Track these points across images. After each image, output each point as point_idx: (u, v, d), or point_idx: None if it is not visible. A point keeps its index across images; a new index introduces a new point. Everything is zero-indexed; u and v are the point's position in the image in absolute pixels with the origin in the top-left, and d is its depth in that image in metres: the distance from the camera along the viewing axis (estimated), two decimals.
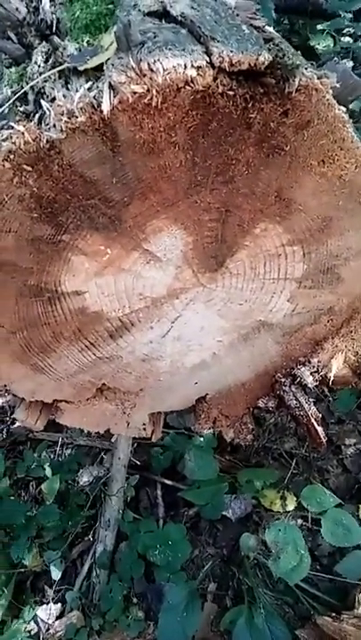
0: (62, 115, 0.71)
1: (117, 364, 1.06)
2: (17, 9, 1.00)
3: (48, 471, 2.17)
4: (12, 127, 0.75)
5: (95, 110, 0.70)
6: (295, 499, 2.13)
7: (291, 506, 2.12)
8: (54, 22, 0.96)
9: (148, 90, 0.69)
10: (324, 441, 1.13)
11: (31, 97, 0.86)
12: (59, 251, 0.85)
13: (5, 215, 0.78)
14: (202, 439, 2.09)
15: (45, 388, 1.08)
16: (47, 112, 0.73)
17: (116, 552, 2.15)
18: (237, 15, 0.82)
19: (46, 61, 0.90)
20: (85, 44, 0.87)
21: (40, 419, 1.13)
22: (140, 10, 0.83)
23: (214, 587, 2.12)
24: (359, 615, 1.72)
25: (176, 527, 2.07)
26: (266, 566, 2.00)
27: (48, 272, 0.88)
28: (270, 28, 0.85)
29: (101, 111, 0.70)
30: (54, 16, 0.96)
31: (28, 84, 0.91)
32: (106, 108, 0.69)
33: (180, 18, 0.77)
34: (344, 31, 2.58)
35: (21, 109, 0.84)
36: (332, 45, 2.51)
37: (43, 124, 0.73)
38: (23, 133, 0.73)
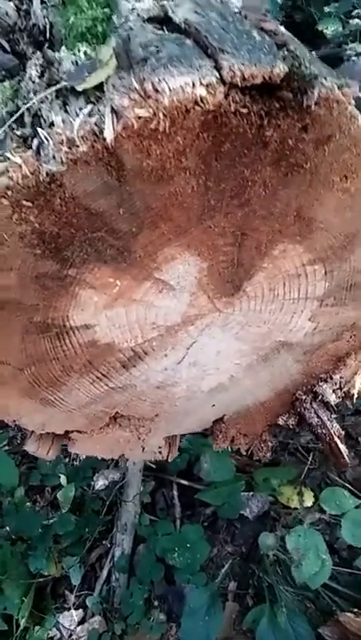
0: (62, 144, 0.62)
1: (131, 392, 0.98)
2: (7, 13, 0.91)
3: (63, 479, 2.11)
4: (8, 159, 0.67)
5: (98, 138, 0.62)
6: (312, 494, 2.07)
7: (308, 502, 2.06)
8: (47, 27, 0.87)
9: (154, 113, 0.60)
10: (347, 460, 1.06)
11: (28, 119, 0.77)
12: (65, 286, 0.77)
13: (6, 253, 0.70)
14: None
15: (56, 420, 1.01)
16: (45, 141, 0.65)
17: (135, 555, 2.09)
18: (245, 17, 0.72)
19: (41, 76, 0.81)
20: (82, 54, 0.78)
21: (52, 449, 1.06)
22: (138, 15, 0.75)
23: (235, 585, 2.07)
24: None
25: (194, 528, 2.01)
26: (285, 563, 1.95)
27: (55, 308, 0.80)
28: (282, 29, 0.76)
29: (104, 139, 0.61)
30: (47, 20, 0.87)
31: (23, 102, 0.82)
32: (109, 136, 0.61)
33: (183, 25, 0.68)
34: (353, 13, 2.44)
35: (18, 133, 0.75)
36: (340, 29, 2.39)
37: (41, 155, 0.65)
38: (20, 166, 0.64)
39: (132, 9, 0.76)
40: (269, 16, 0.76)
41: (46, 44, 0.87)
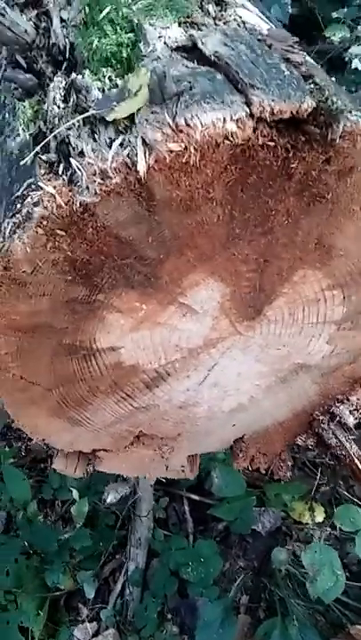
0: (95, 175, 0.64)
1: (154, 412, 0.99)
2: (25, 31, 0.91)
3: (75, 493, 2.10)
4: (41, 188, 0.68)
5: (130, 170, 0.63)
6: (323, 509, 2.07)
7: (319, 517, 2.05)
8: (67, 47, 0.87)
9: (185, 147, 0.61)
10: None
11: (53, 143, 0.77)
12: (93, 310, 0.78)
13: (40, 280, 0.71)
14: (226, 453, 2.01)
15: (83, 438, 1.01)
16: (78, 172, 0.66)
17: (148, 569, 2.09)
18: (271, 46, 0.73)
19: (65, 100, 0.81)
20: (108, 80, 0.78)
21: (78, 467, 1.07)
22: (166, 43, 0.75)
23: (247, 599, 2.06)
24: None
25: (207, 543, 2.01)
26: (297, 577, 1.94)
27: (83, 331, 0.81)
28: (308, 59, 0.77)
29: (137, 171, 0.62)
30: (67, 40, 0.87)
31: (45, 123, 0.83)
32: (142, 168, 0.62)
33: (213, 58, 0.69)
34: None
35: (44, 158, 0.76)
36: (348, 35, 2.39)
37: (75, 185, 0.66)
38: (54, 196, 0.65)
39: (160, 36, 0.77)
40: (296, 47, 0.77)
41: (65, 63, 0.87)
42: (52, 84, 0.81)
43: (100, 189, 0.63)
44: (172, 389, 0.95)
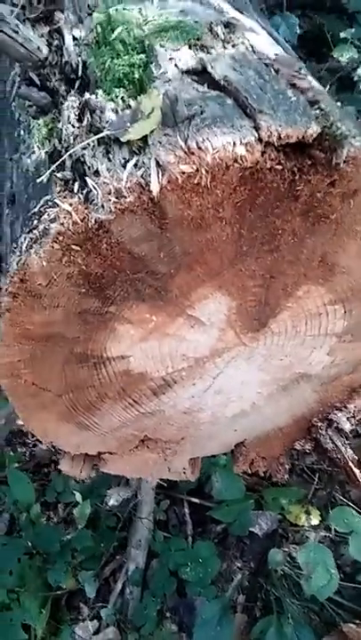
0: (110, 194, 0.66)
1: (160, 417, 1.01)
2: (38, 48, 0.92)
3: (78, 496, 2.12)
4: (58, 205, 0.71)
5: (143, 190, 0.65)
6: (319, 513, 2.09)
7: (315, 520, 2.07)
8: (80, 66, 0.88)
9: (197, 169, 0.64)
10: None
11: (68, 162, 0.80)
12: (105, 321, 0.80)
13: (54, 292, 0.73)
14: (226, 458, 2.04)
15: (90, 442, 1.03)
16: (94, 191, 0.68)
17: (148, 569, 2.11)
18: (279, 72, 0.76)
19: (79, 120, 0.83)
20: (121, 100, 0.80)
21: (84, 468, 1.09)
22: (177, 66, 0.77)
23: (243, 598, 2.08)
24: None
25: (206, 544, 2.03)
26: (292, 577, 1.96)
27: (94, 340, 0.83)
28: (314, 84, 0.80)
29: (150, 191, 0.64)
30: (80, 59, 0.88)
31: (59, 142, 0.85)
32: (155, 189, 0.64)
33: (223, 82, 0.72)
34: None
35: (59, 175, 0.78)
36: (355, 56, 2.40)
37: (89, 203, 0.68)
38: (70, 213, 0.68)
39: (170, 58, 0.79)
40: (302, 72, 0.79)
41: (78, 82, 0.88)
42: (66, 103, 0.82)
43: (115, 207, 0.65)
44: (178, 396, 0.97)
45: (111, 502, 2.16)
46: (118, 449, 1.08)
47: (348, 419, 1.07)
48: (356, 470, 1.08)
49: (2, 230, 0.97)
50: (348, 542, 1.79)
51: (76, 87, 0.87)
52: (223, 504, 2.05)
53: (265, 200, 0.69)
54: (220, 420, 1.06)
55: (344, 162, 0.68)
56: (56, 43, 0.94)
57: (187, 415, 1.02)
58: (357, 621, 1.83)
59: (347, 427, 1.06)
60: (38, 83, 0.93)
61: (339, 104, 0.81)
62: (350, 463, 1.08)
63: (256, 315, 0.85)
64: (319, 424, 1.10)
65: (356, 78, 2.21)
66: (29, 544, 2.03)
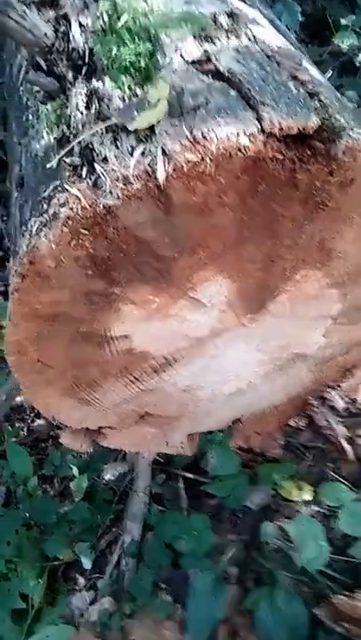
0: (118, 180, 0.68)
1: (160, 394, 1.04)
2: (46, 34, 0.93)
3: (75, 470, 2.16)
4: (67, 190, 0.73)
5: (150, 177, 0.67)
6: (311, 488, 2.13)
7: (307, 495, 2.11)
8: (87, 52, 0.88)
9: (202, 158, 0.66)
10: (352, 458, 1.12)
11: (77, 148, 0.81)
12: (110, 302, 0.82)
13: (62, 273, 0.75)
14: (222, 435, 2.07)
15: (91, 417, 1.06)
16: (102, 177, 0.71)
17: (143, 542, 2.15)
18: (280, 64, 0.78)
19: (87, 107, 0.85)
20: (127, 89, 0.82)
21: (84, 442, 1.12)
22: (182, 56, 0.78)
23: (236, 570, 2.12)
24: None
25: (201, 518, 2.06)
26: (284, 550, 2.01)
27: (99, 320, 0.85)
28: (315, 74, 0.81)
29: (157, 179, 0.67)
30: (86, 45, 0.89)
31: (68, 127, 0.86)
32: (161, 176, 0.66)
33: (227, 74, 0.73)
34: None
35: (68, 161, 0.80)
36: (356, 42, 2.40)
37: (98, 189, 0.71)
38: (79, 199, 0.70)
39: (176, 49, 0.80)
40: (303, 65, 0.81)
41: (85, 68, 0.88)
42: (74, 90, 0.84)
43: (123, 194, 0.67)
44: (178, 374, 1.00)
45: (108, 476, 2.19)
46: (119, 424, 1.10)
47: (341, 397, 1.10)
48: (347, 446, 1.12)
49: (10, 212, 0.99)
50: (339, 517, 1.82)
51: (82, 73, 0.88)
52: (218, 479, 2.08)
53: (266, 188, 0.71)
54: (218, 398, 1.09)
55: (342, 152, 0.70)
56: (63, 29, 0.95)
57: (186, 393, 1.05)
58: (347, 593, 1.86)
59: (340, 405, 1.09)
60: (45, 68, 0.94)
61: (341, 90, 0.82)
62: (341, 439, 1.11)
63: (255, 297, 0.88)
64: (314, 402, 1.13)
65: (358, 64, 2.21)
66: (27, 516, 2.06)
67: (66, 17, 0.95)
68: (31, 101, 0.96)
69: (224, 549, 2.13)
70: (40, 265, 0.73)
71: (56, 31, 0.95)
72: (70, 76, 0.90)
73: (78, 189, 0.71)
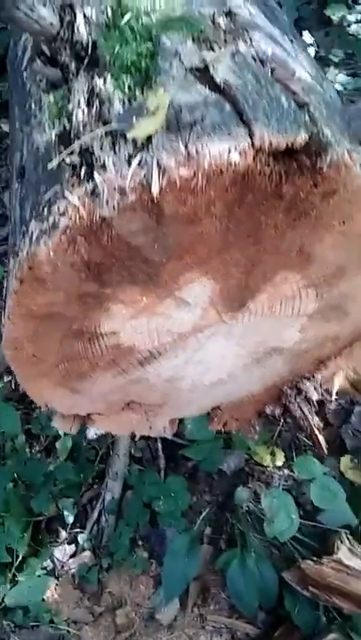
0: (115, 191, 0.67)
1: (144, 384, 1.05)
2: (51, 24, 0.89)
3: (60, 431, 2.16)
4: (67, 199, 0.71)
5: (145, 190, 0.67)
6: (283, 454, 2.15)
7: (280, 461, 2.14)
8: (90, 45, 0.86)
9: (194, 173, 0.66)
10: (325, 449, 1.14)
11: (77, 147, 0.79)
12: (101, 302, 0.83)
13: (58, 277, 0.75)
14: None
15: (81, 404, 1.07)
16: (100, 187, 0.69)
17: (123, 500, 2.17)
18: (274, 71, 0.76)
19: (88, 104, 0.82)
20: (127, 89, 0.79)
21: (74, 425, 1.13)
22: (181, 61, 0.77)
23: (210, 531, 2.15)
24: (338, 560, 1.76)
25: (177, 479, 2.09)
26: (256, 514, 2.03)
27: (90, 318, 0.85)
28: (306, 79, 0.80)
29: (151, 192, 0.66)
30: (90, 37, 0.86)
31: (68, 121, 0.83)
32: (155, 190, 0.66)
33: (223, 85, 0.72)
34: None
35: (68, 161, 0.78)
36: (347, 15, 2.36)
37: (95, 197, 0.69)
38: (78, 208, 0.69)
39: (175, 53, 0.79)
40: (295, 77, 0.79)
41: (87, 59, 0.86)
42: (76, 85, 0.82)
43: (118, 205, 0.67)
44: (162, 366, 1.01)
45: (90, 434, 2.20)
46: (106, 411, 1.11)
47: (315, 388, 1.11)
48: (320, 437, 1.13)
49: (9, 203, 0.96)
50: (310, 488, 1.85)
51: (85, 64, 0.85)
52: (195, 443, 2.10)
53: (252, 199, 0.72)
54: (199, 388, 1.10)
55: (327, 166, 0.69)
56: (68, 18, 0.91)
57: (169, 383, 1.06)
58: (315, 558, 1.89)
59: (314, 396, 1.10)
60: (49, 55, 0.91)
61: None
62: (315, 430, 1.12)
63: (236, 296, 0.89)
64: (289, 392, 1.14)
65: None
66: (14, 474, 2.08)
67: (71, 6, 0.91)
68: (34, 88, 0.94)
69: (200, 510, 2.15)
70: (38, 270, 0.74)
71: (61, 20, 0.91)
72: (73, 66, 0.87)
73: (77, 197, 0.69)
